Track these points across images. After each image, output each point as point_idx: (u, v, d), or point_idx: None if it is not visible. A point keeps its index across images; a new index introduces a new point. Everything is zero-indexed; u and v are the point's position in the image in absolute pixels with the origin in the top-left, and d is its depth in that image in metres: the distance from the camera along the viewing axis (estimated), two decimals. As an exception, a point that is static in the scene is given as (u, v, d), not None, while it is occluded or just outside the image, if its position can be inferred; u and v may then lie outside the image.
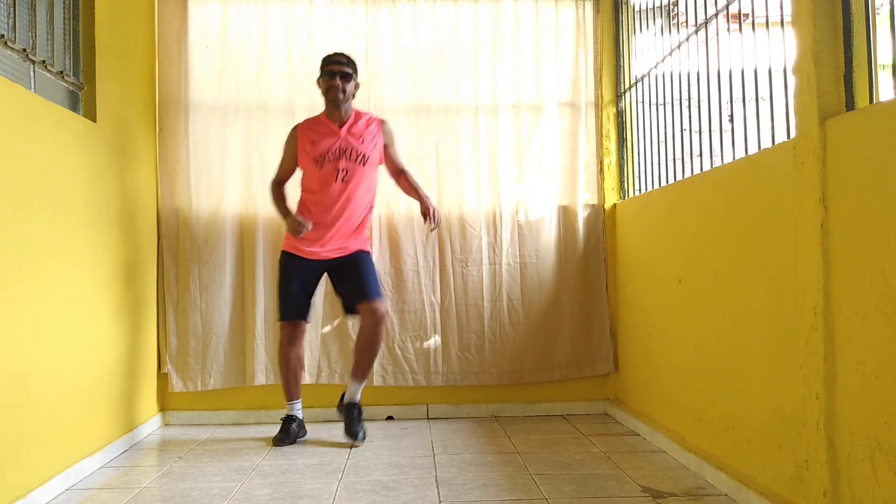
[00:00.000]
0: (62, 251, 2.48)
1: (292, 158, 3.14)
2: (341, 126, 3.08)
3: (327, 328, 3.52)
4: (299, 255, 3.05)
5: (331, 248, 3.05)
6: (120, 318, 2.99)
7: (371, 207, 3.18)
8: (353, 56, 3.15)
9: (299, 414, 3.14)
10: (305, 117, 3.54)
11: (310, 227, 2.98)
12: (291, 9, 3.56)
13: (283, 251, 3.12)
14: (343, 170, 3.02)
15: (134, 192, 3.18)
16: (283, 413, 3.49)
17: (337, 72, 3.03)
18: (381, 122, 3.18)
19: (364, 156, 3.06)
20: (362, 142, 3.07)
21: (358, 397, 3.10)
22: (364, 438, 3.04)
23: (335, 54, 3.10)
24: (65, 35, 2.71)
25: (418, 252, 3.55)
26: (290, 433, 3.05)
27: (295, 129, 3.15)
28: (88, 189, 2.69)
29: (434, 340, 3.52)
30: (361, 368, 3.06)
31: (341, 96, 3.03)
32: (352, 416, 3.06)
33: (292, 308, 3.07)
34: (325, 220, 3.03)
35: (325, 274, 3.15)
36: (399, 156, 3.26)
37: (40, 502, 2.23)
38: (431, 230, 3.19)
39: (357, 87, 3.13)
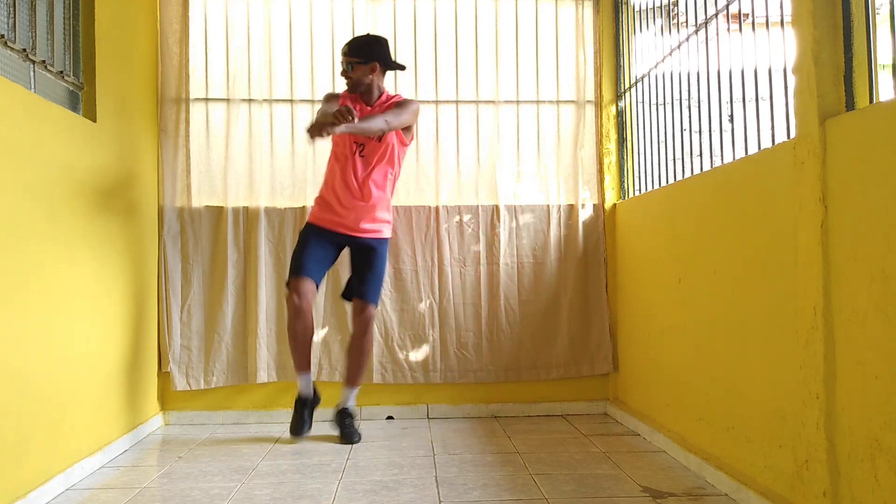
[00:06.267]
0: (63, 251, 2.47)
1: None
2: (368, 105, 3.10)
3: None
4: (322, 226, 3.07)
5: (351, 221, 3.05)
6: (121, 318, 2.99)
7: (392, 187, 3.15)
8: (361, 38, 3.10)
9: (308, 389, 3.10)
10: (306, 114, 3.56)
11: (355, 117, 2.65)
12: (293, 5, 3.57)
13: (307, 223, 3.13)
14: (360, 144, 3.02)
15: (135, 192, 3.18)
16: (283, 413, 3.49)
17: (343, 64, 3.07)
18: (398, 98, 3.13)
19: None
20: None
21: (349, 403, 3.12)
22: (359, 439, 3.04)
23: (344, 44, 3.11)
24: (65, 35, 2.71)
25: (417, 252, 3.56)
26: (304, 421, 3.07)
27: (334, 92, 3.23)
28: (89, 189, 2.69)
29: (417, 352, 3.53)
30: (350, 372, 3.13)
31: (351, 84, 3.08)
32: (342, 424, 3.07)
33: (301, 264, 3.01)
34: (345, 195, 3.03)
35: (346, 251, 3.18)
36: (391, 123, 2.92)
37: (40, 502, 2.23)
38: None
39: (373, 69, 3.05)
